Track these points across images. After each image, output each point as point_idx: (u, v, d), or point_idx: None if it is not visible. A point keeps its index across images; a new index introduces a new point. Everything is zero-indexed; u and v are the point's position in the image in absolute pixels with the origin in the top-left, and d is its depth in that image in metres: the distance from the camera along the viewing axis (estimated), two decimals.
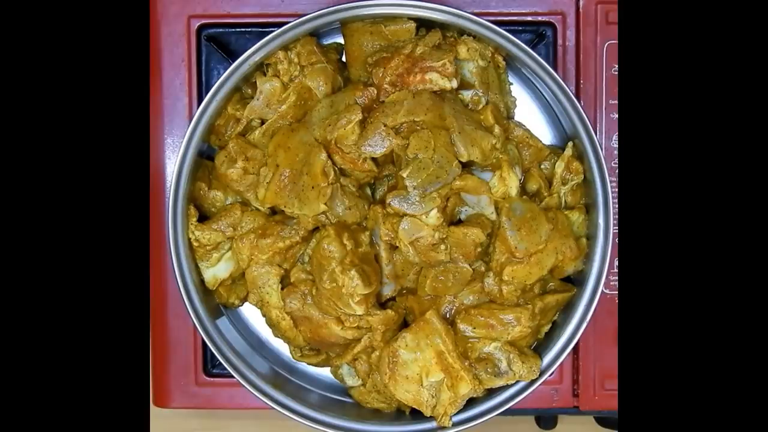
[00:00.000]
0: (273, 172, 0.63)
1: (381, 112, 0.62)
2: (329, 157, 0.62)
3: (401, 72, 0.63)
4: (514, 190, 0.63)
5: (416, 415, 0.65)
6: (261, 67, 0.66)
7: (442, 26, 0.65)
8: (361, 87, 0.63)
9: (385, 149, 0.61)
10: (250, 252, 0.64)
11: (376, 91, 0.63)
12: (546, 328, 0.67)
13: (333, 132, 0.62)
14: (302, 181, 0.63)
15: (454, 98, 0.63)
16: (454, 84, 0.62)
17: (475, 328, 0.63)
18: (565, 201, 0.66)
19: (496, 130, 0.63)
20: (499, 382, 0.64)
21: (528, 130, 0.66)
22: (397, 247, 0.63)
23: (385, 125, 0.61)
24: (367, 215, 0.64)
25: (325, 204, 0.62)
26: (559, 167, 0.65)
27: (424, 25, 0.66)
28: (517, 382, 0.64)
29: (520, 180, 0.64)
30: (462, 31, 0.65)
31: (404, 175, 0.61)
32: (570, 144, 0.66)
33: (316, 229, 0.64)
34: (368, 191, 0.66)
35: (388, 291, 0.65)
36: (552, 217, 0.64)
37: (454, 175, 0.61)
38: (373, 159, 0.63)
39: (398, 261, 0.64)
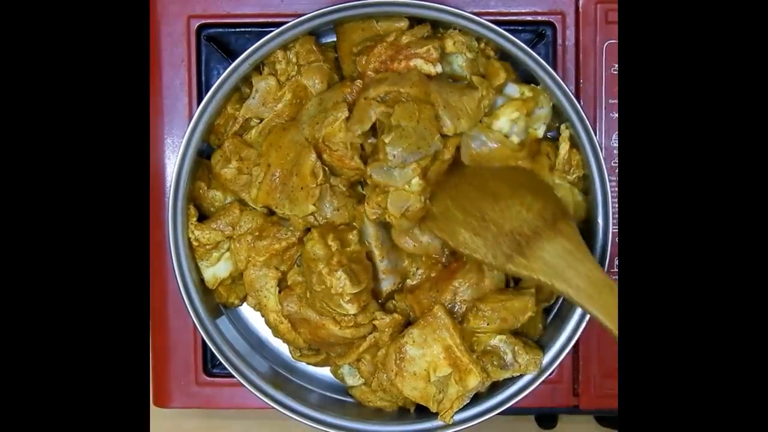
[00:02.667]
0: (264, 172, 0.63)
1: (364, 88, 0.62)
2: (318, 157, 0.62)
3: (384, 59, 0.62)
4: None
5: (420, 413, 0.65)
6: (260, 67, 0.66)
7: (441, 25, 0.65)
8: (349, 84, 0.63)
9: (372, 120, 0.61)
10: (248, 254, 0.64)
11: (361, 83, 0.63)
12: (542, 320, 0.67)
13: (321, 130, 0.62)
14: (292, 181, 0.62)
15: (440, 78, 0.63)
16: (439, 69, 0.62)
17: (489, 324, 0.63)
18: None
19: (475, 80, 0.63)
20: (505, 375, 0.64)
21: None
22: (389, 231, 0.63)
23: (366, 98, 0.61)
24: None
25: (314, 205, 0.62)
26: (563, 148, 0.65)
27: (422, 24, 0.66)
28: (518, 380, 0.64)
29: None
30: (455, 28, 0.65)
31: (386, 141, 0.60)
32: (563, 126, 0.65)
33: (308, 230, 0.64)
34: (360, 189, 0.66)
35: (387, 286, 0.65)
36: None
37: (435, 149, 0.61)
38: (361, 157, 0.62)
39: (392, 255, 0.64)
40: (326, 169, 0.63)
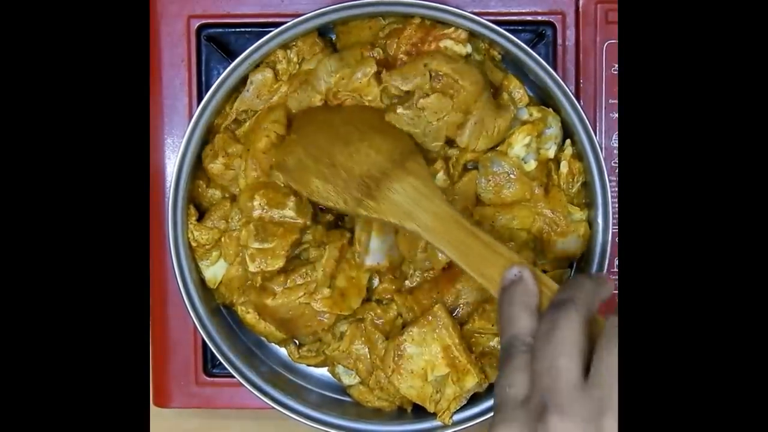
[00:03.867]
0: (245, 160, 0.64)
1: (429, 54, 0.62)
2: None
3: (415, 41, 0.63)
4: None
5: (418, 413, 0.65)
6: (259, 67, 0.66)
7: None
8: (368, 46, 0.64)
9: (411, 85, 0.61)
10: (236, 249, 0.64)
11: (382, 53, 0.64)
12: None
13: (348, 85, 0.62)
14: None
15: (488, 90, 0.63)
16: (469, 49, 0.63)
17: (494, 324, 0.63)
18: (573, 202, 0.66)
19: (505, 96, 0.64)
20: None
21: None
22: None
23: (426, 65, 0.61)
24: None
25: None
26: (564, 167, 0.65)
27: None
28: None
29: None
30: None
31: (397, 111, 0.61)
32: (568, 141, 0.66)
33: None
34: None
35: (370, 262, 0.64)
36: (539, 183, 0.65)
37: (428, 149, 0.63)
38: None
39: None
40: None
